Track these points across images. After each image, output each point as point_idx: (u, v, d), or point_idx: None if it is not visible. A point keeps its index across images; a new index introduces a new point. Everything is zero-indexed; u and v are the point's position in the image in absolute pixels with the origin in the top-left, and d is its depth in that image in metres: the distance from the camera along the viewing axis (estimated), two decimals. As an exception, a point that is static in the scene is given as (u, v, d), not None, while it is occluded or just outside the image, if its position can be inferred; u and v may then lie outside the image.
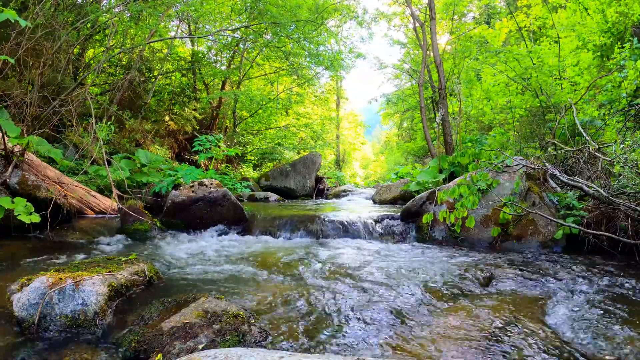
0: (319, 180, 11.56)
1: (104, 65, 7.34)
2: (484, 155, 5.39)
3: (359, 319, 1.82)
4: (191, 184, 4.47)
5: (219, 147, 6.59)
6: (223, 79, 11.39)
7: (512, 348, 1.52)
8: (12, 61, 2.60)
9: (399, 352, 1.51)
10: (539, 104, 6.22)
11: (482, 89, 8.29)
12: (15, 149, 3.80)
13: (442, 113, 8.55)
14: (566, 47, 7.14)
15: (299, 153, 14.46)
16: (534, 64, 6.38)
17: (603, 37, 6.76)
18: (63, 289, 1.71)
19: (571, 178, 3.59)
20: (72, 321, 1.65)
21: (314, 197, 10.73)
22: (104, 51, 7.01)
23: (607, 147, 3.94)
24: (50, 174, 4.10)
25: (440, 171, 6.52)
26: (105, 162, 4.57)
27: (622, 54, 5.41)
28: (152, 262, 2.52)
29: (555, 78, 6.36)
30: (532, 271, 2.64)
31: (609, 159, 3.50)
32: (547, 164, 4.08)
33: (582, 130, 4.22)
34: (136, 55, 8.34)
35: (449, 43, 15.50)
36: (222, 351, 1.11)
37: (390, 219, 4.35)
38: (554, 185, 3.95)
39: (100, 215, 4.40)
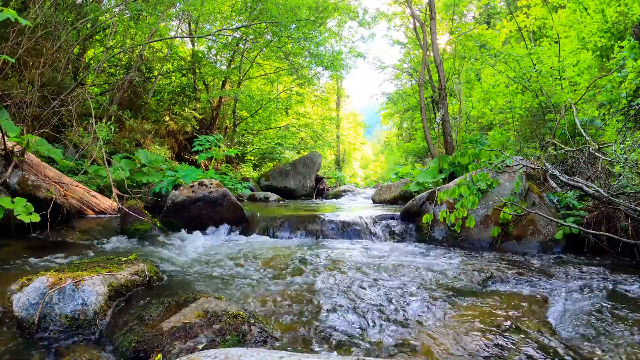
0: (319, 180, 11.57)
1: (104, 65, 7.33)
2: (484, 155, 5.39)
3: (359, 319, 1.82)
4: (191, 184, 4.46)
5: (218, 147, 6.59)
6: (223, 78, 11.39)
7: (512, 347, 1.52)
8: (13, 61, 2.60)
9: (398, 352, 1.51)
10: (538, 104, 6.22)
11: (482, 89, 8.29)
12: (15, 149, 3.79)
13: (442, 113, 8.56)
14: (566, 47, 7.13)
15: (299, 153, 14.46)
16: (534, 64, 6.37)
17: (603, 37, 6.75)
18: (63, 289, 1.71)
19: (571, 178, 3.59)
20: (72, 321, 1.65)
21: (314, 197, 10.73)
22: (104, 51, 7.00)
23: (607, 147, 3.94)
24: (50, 174, 4.10)
25: (440, 171, 6.52)
26: (105, 162, 4.57)
27: (621, 54, 5.41)
28: (152, 262, 2.52)
29: (555, 78, 6.35)
30: (532, 271, 2.64)
31: (609, 159, 3.50)
32: (547, 164, 4.08)
33: (582, 130, 4.22)
34: (136, 55, 8.33)
35: (449, 43, 15.51)
36: (222, 351, 1.11)
37: (390, 219, 4.35)
38: (554, 185, 3.95)
39: (100, 215, 4.40)
